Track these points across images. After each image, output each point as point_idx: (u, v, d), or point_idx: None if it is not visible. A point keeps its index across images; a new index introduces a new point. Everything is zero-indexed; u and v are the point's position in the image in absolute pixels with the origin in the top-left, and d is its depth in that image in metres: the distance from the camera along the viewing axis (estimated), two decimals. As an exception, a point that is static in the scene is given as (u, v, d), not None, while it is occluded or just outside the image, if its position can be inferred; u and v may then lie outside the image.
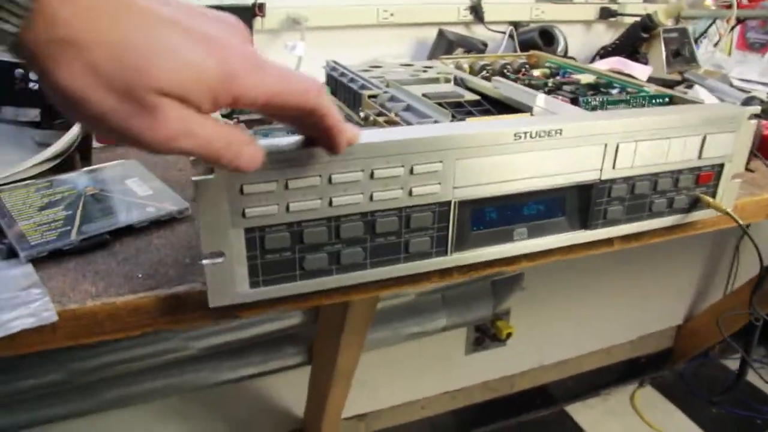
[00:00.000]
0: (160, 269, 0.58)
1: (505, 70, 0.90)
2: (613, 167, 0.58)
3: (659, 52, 1.28)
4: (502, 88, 0.69)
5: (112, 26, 0.30)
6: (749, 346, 0.85)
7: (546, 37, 1.27)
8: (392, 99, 0.66)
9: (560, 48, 1.27)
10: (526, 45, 1.26)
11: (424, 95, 0.68)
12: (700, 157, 0.63)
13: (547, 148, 0.54)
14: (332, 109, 0.40)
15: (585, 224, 0.61)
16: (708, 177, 0.65)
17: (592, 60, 1.36)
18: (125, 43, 0.30)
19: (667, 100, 0.72)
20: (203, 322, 0.56)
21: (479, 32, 1.34)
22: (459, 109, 0.65)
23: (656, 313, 2.15)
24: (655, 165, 0.61)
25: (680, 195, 0.65)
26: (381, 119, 0.62)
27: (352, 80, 0.76)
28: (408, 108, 0.63)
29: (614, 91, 0.77)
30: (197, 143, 0.34)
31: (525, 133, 0.52)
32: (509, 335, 1.75)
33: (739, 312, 0.78)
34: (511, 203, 0.57)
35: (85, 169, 0.74)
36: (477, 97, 0.69)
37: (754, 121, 0.65)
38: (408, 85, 0.75)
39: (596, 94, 0.77)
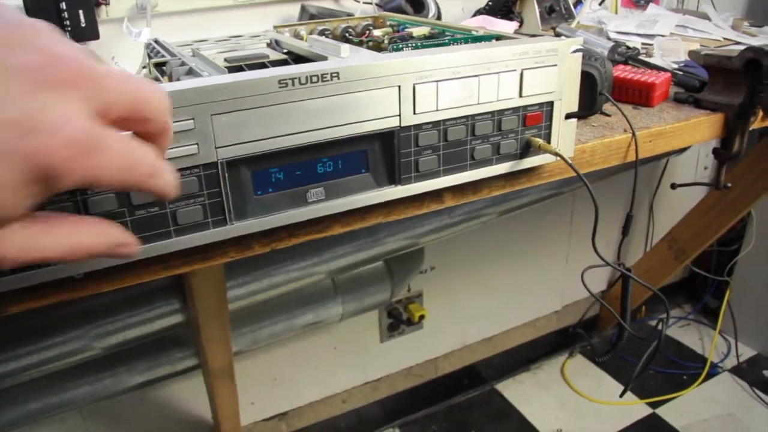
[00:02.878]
0: None
1: (347, 34, 0.85)
2: (414, 112, 0.53)
3: (532, 9, 1.25)
4: (314, 45, 0.64)
5: None
6: (624, 302, 0.81)
7: (415, 5, 1.22)
8: (182, 65, 0.59)
9: (431, 14, 1.22)
10: (393, 13, 1.20)
11: (225, 59, 0.62)
12: (521, 95, 0.58)
13: (324, 94, 0.48)
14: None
15: (394, 179, 0.55)
16: (537, 118, 0.61)
17: (468, 24, 1.32)
18: None
19: (492, 41, 0.67)
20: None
21: (347, 5, 1.28)
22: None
23: (579, 281, 2.12)
24: (467, 107, 0.56)
25: (507, 139, 0.60)
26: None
27: (157, 53, 0.69)
28: (189, 72, 0.56)
29: (445, 40, 0.72)
30: (55, 256, 0.31)
31: (292, 78, 0.46)
32: (422, 317, 1.71)
33: (600, 265, 0.74)
34: (299, 161, 0.51)
35: None
36: (284, 57, 0.63)
37: (577, 55, 0.61)
38: (219, 53, 0.69)
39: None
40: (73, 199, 0.42)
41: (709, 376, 1.98)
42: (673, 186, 0.95)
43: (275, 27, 0.86)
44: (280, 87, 0.46)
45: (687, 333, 2.20)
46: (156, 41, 0.79)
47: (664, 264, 1.92)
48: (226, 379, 1.20)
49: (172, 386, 1.46)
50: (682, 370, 2.00)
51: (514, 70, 0.57)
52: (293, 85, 0.46)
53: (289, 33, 0.85)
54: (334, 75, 0.48)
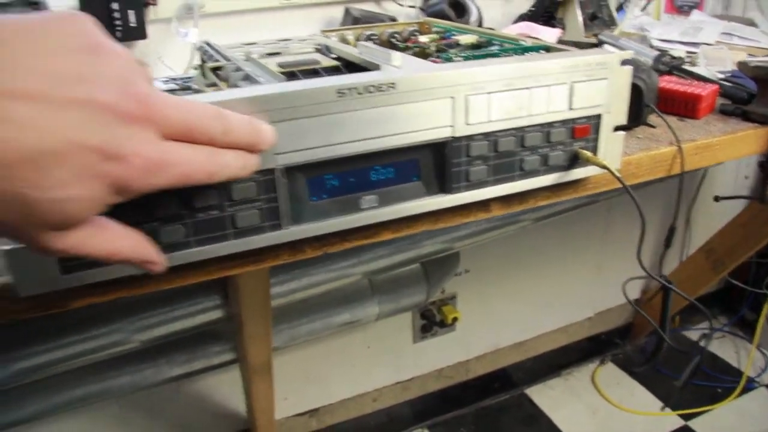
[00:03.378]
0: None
1: (393, 39, 0.86)
2: (467, 123, 0.54)
3: (575, 15, 1.25)
4: (364, 52, 0.65)
5: None
6: (665, 315, 0.81)
7: (458, 9, 1.23)
8: (237, 70, 0.61)
9: (473, 19, 1.23)
10: (435, 17, 1.21)
11: (278, 65, 0.64)
12: (571, 108, 0.59)
13: (381, 104, 0.49)
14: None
15: (445, 188, 0.56)
16: (585, 130, 0.61)
17: (511, 29, 1.32)
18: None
19: (542, 51, 0.68)
20: (23, 315, 0.51)
21: (390, 8, 1.30)
22: (312, 77, 0.60)
23: (613, 288, 2.11)
24: (518, 118, 0.56)
25: (555, 151, 0.60)
26: (210, 89, 0.57)
27: (211, 57, 0.71)
28: (246, 77, 0.58)
29: (493, 49, 0.73)
30: (97, 254, 0.37)
31: (350, 88, 0.47)
32: (455, 320, 1.71)
33: (642, 277, 0.74)
34: (354, 169, 0.52)
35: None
36: (336, 63, 0.64)
37: (627, 68, 0.61)
38: (271, 57, 0.70)
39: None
40: (138, 201, 0.44)
41: (744, 391, 1.94)
42: (717, 199, 0.94)
43: (323, 31, 0.87)
44: (338, 96, 0.47)
45: (722, 345, 2.17)
46: (208, 44, 0.81)
47: (700, 274, 1.89)
48: (264, 375, 1.22)
49: (207, 379, 1.48)
50: (716, 383, 1.97)
51: (565, 83, 0.57)
52: (351, 94, 0.48)
53: (337, 37, 0.86)
54: (390, 85, 0.49)
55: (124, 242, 0.38)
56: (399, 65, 0.58)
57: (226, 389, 1.54)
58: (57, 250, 0.34)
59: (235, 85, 0.57)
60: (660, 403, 1.90)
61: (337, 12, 1.24)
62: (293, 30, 1.23)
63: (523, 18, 1.31)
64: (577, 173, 0.63)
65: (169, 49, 1.14)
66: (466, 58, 0.64)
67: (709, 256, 1.87)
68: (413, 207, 0.56)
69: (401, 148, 0.52)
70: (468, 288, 1.76)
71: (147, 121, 0.33)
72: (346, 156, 0.50)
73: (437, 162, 0.55)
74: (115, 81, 0.32)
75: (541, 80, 0.56)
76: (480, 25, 1.25)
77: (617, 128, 0.63)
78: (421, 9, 1.29)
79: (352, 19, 1.17)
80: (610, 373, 2.05)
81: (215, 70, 0.63)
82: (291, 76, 0.60)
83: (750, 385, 1.97)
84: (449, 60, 0.64)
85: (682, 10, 1.63)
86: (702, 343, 2.13)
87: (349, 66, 0.66)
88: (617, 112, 0.62)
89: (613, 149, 0.63)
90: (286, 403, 1.65)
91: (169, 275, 0.51)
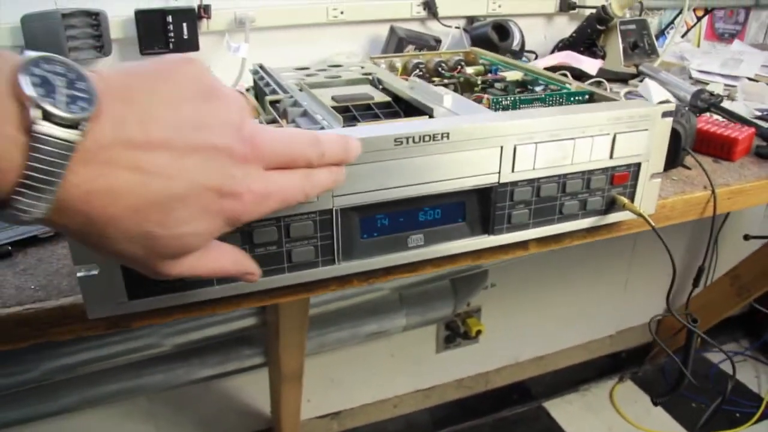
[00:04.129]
0: (54, 280, 0.58)
1: (440, 68, 0.88)
2: (513, 170, 0.57)
3: (616, 44, 1.26)
4: (415, 88, 0.68)
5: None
6: (688, 351, 0.83)
7: (500, 32, 1.25)
8: (295, 104, 0.64)
9: (516, 42, 1.25)
10: (478, 40, 1.24)
11: (333, 98, 0.67)
12: (612, 157, 0.61)
13: (435, 152, 0.52)
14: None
15: (488, 229, 0.59)
16: (623, 177, 0.64)
17: (551, 53, 1.34)
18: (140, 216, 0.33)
19: (586, 97, 0.70)
20: (93, 332, 0.55)
21: (434, 28, 1.32)
22: (365, 113, 0.63)
23: (636, 307, 2.12)
24: (560, 166, 0.59)
25: (594, 197, 0.63)
26: (271, 126, 0.60)
27: (267, 84, 0.74)
28: (304, 113, 0.61)
29: (538, 89, 0.75)
30: (206, 274, 0.40)
31: (406, 138, 0.50)
32: (479, 332, 1.74)
33: (668, 314, 0.76)
34: (403, 210, 0.55)
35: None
36: (388, 99, 0.67)
37: (668, 120, 0.63)
38: (324, 87, 0.73)
39: (523, 92, 0.76)
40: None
41: (764, 417, 1.94)
42: (746, 237, 0.96)
43: (371, 58, 0.90)
44: (395, 144, 0.50)
45: (743, 369, 2.17)
46: (261, 67, 0.84)
47: (724, 300, 1.90)
48: (294, 382, 1.26)
49: (233, 379, 1.52)
50: (735, 407, 1.98)
51: (608, 134, 0.60)
52: (407, 143, 0.51)
53: (385, 64, 0.89)
54: (444, 135, 0.52)
55: (228, 258, 0.42)
56: (450, 107, 0.61)
57: (251, 389, 1.58)
58: (173, 275, 0.38)
59: (294, 121, 0.60)
60: (676, 424, 1.91)
61: (382, 29, 1.27)
62: (340, 45, 1.26)
63: (563, 42, 1.32)
64: (613, 217, 0.66)
65: (217, 60, 1.18)
66: (513, 103, 0.67)
67: (734, 282, 1.87)
68: (457, 246, 0.58)
69: (450, 193, 0.55)
70: (493, 301, 1.79)
71: (256, 160, 0.37)
72: (397, 199, 0.53)
73: (482, 205, 0.58)
74: (229, 125, 0.35)
75: (586, 131, 0.58)
76: (522, 47, 1.27)
77: (654, 175, 0.65)
78: (465, 30, 1.31)
79: (397, 38, 1.20)
80: (628, 391, 2.06)
81: (273, 103, 0.66)
82: (345, 111, 0.63)
83: (769, 411, 1.98)
84: (498, 103, 0.66)
85: (723, 38, 1.64)
86: (722, 366, 2.13)
87: (398, 100, 0.68)
88: (656, 160, 0.64)
89: (649, 195, 0.66)
90: (309, 405, 1.69)
91: (224, 302, 0.55)
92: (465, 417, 1.90)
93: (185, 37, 1.12)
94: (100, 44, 1.05)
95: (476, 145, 0.54)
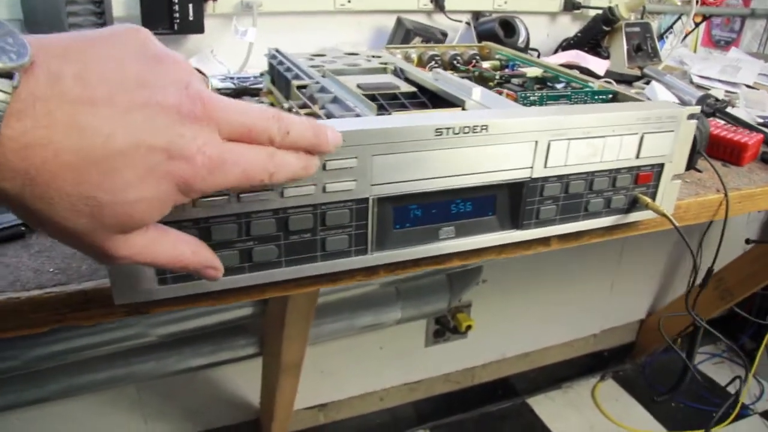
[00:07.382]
0: (73, 263, 0.56)
1: (455, 62, 0.88)
2: (545, 166, 0.57)
3: (620, 46, 1.27)
4: (440, 80, 0.67)
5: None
6: (692, 350, 0.84)
7: (506, 28, 1.25)
8: (322, 90, 0.63)
9: (521, 39, 1.25)
10: (485, 35, 1.23)
11: (358, 86, 0.66)
12: (638, 156, 0.61)
13: (472, 144, 0.52)
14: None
15: (516, 224, 0.59)
16: (647, 177, 0.64)
17: (555, 52, 1.34)
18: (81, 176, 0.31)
19: (610, 96, 0.70)
20: (113, 318, 0.54)
21: (440, 21, 1.32)
22: (392, 102, 0.63)
23: (620, 308, 2.15)
24: (590, 164, 0.59)
25: (618, 195, 0.63)
26: (303, 111, 0.59)
27: (288, 69, 0.73)
28: (335, 100, 0.60)
29: (559, 86, 0.75)
30: (161, 260, 0.38)
31: (447, 128, 0.50)
32: (469, 328, 1.74)
33: (678, 314, 0.77)
34: (436, 201, 0.54)
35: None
36: (413, 89, 0.67)
37: (693, 122, 0.64)
38: (345, 75, 0.73)
39: (542, 89, 0.76)
40: (238, 221, 0.47)
41: (739, 417, 1.98)
42: (748, 242, 0.97)
43: (387, 47, 0.90)
44: (435, 135, 0.50)
45: (720, 370, 2.21)
46: (278, 52, 0.83)
47: (708, 302, 1.92)
48: (293, 372, 1.25)
49: (222, 368, 1.51)
50: (712, 406, 2.01)
51: (636, 134, 0.60)
52: (447, 134, 0.50)
53: (401, 54, 0.88)
54: (483, 127, 0.51)
55: (186, 247, 0.39)
56: (479, 100, 0.61)
57: (240, 380, 1.57)
58: (123, 256, 0.35)
59: (325, 108, 0.59)
60: (656, 422, 1.94)
61: (388, 20, 1.26)
62: (346, 34, 1.26)
63: (567, 41, 1.33)
64: (635, 216, 0.66)
65: (222, 43, 1.16)
66: (541, 99, 0.67)
67: (718, 285, 1.90)
68: (486, 240, 0.58)
69: (482, 186, 0.55)
70: (484, 297, 1.79)
71: (208, 121, 0.34)
72: (432, 191, 0.53)
73: (512, 199, 0.58)
74: (175, 84, 0.33)
75: (616, 130, 0.58)
76: (527, 45, 1.27)
77: (676, 176, 0.66)
78: (467, 24, 1.31)
79: (404, 30, 1.19)
80: (609, 389, 2.09)
81: (300, 88, 0.65)
82: (372, 99, 0.62)
83: (744, 412, 2.02)
84: (525, 98, 0.66)
85: (719, 45, 1.65)
86: (701, 367, 2.17)
87: (423, 91, 0.68)
88: (678, 161, 0.65)
89: (669, 196, 0.66)
90: (297, 396, 1.68)
91: (250, 290, 0.54)
92: (450, 411, 1.91)
93: (191, 18, 1.10)
94: (102, 21, 1.03)
95: (512, 139, 0.54)
